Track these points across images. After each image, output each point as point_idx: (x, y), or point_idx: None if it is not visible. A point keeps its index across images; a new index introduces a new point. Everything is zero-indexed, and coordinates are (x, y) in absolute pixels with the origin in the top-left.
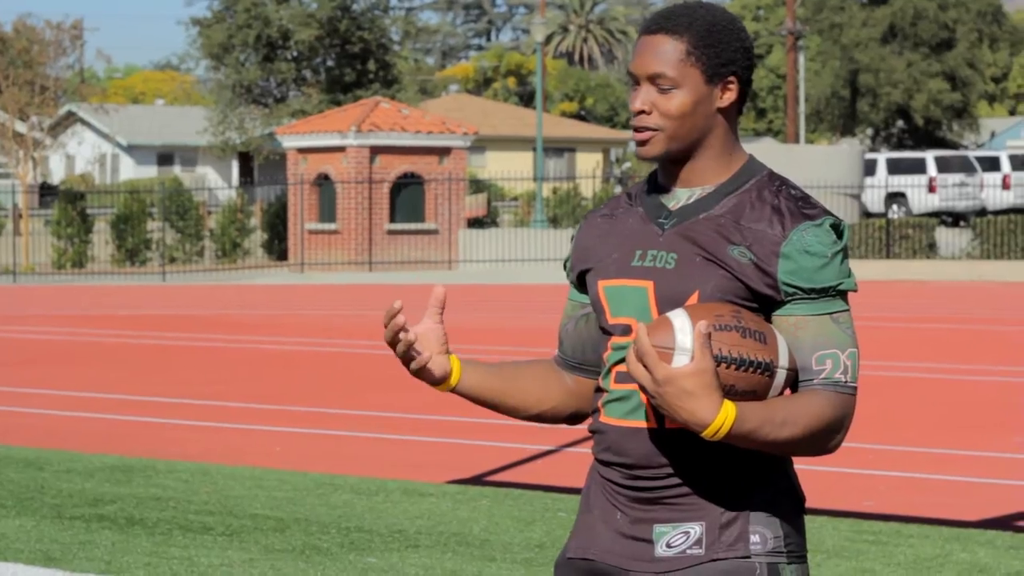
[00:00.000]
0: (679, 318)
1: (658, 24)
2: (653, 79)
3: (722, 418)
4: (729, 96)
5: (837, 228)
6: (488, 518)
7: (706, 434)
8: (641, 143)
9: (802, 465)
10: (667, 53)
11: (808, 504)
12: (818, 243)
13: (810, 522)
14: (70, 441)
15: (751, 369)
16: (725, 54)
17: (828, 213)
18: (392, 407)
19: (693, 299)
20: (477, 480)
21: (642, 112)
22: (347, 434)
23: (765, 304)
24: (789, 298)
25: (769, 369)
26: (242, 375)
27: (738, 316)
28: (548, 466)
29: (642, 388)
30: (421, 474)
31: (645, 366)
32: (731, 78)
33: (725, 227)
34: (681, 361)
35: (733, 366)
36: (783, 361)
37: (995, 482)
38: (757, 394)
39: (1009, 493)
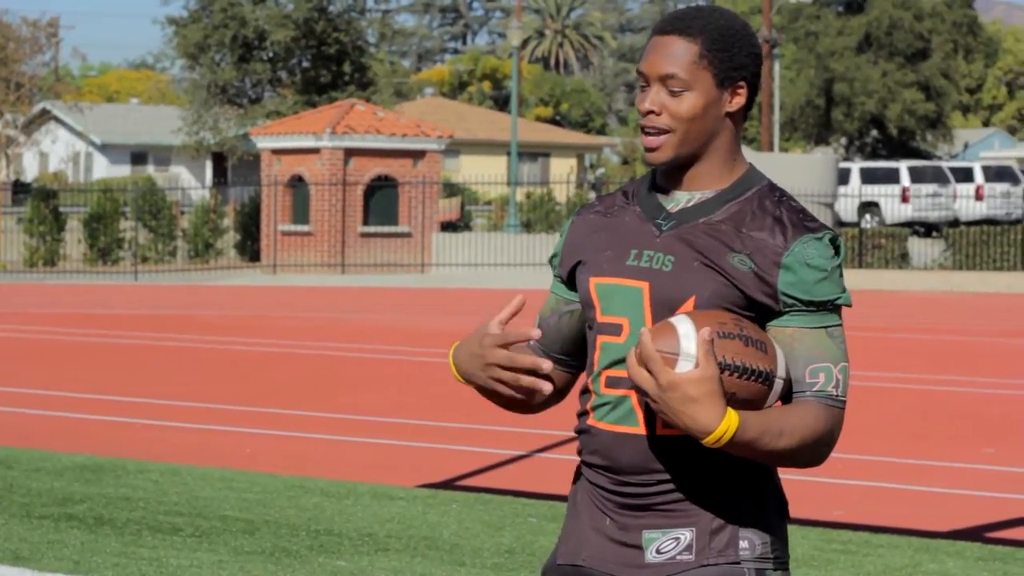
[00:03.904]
0: (683, 324)
1: (672, 25)
2: (664, 80)
3: (725, 426)
4: (738, 101)
5: (835, 243)
6: (458, 523)
7: (708, 441)
8: (650, 149)
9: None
10: (680, 54)
11: None
12: (819, 256)
13: None
14: (39, 440)
15: (752, 378)
16: (737, 58)
17: (827, 227)
18: (363, 410)
19: (689, 304)
20: (448, 484)
21: (651, 112)
22: (317, 436)
23: (761, 313)
24: (787, 309)
25: (769, 379)
26: (213, 376)
27: (740, 324)
28: (519, 471)
29: (643, 393)
30: (391, 477)
31: (649, 371)
32: (741, 83)
33: (726, 234)
34: (685, 367)
35: (735, 374)
36: (780, 371)
37: (965, 493)
38: (755, 403)
39: (979, 504)
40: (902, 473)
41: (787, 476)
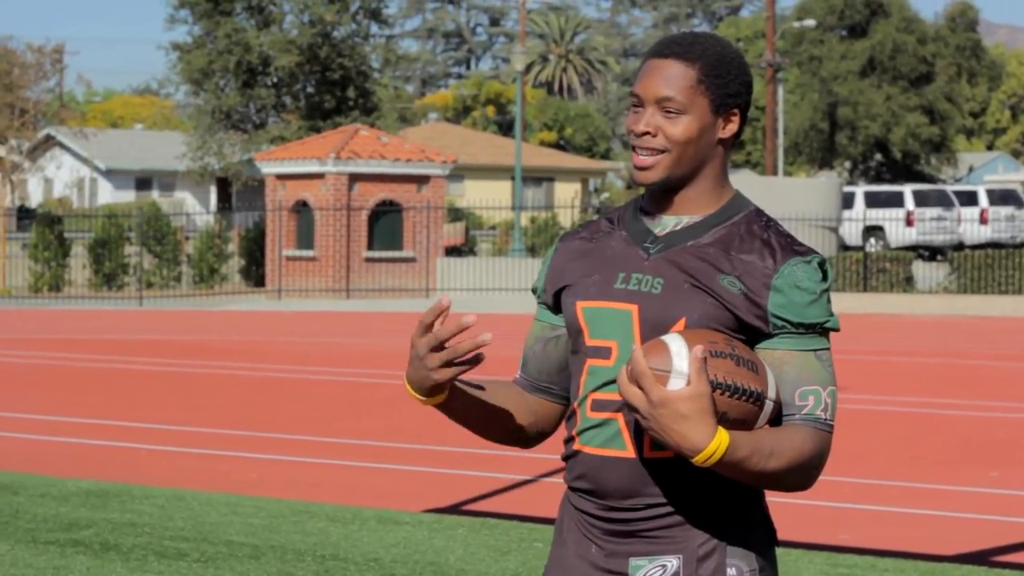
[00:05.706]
0: (675, 342)
1: (670, 49)
2: (661, 103)
3: (715, 444)
4: (731, 128)
5: (823, 267)
6: (464, 547)
7: (698, 460)
8: (643, 168)
9: (778, 498)
10: (678, 78)
11: (783, 537)
12: (808, 279)
13: (785, 555)
14: (45, 465)
15: (744, 397)
16: (732, 86)
17: (815, 252)
18: (368, 435)
19: (679, 325)
20: (453, 509)
21: (646, 134)
22: (323, 461)
23: (750, 335)
24: (776, 331)
25: (760, 399)
26: (218, 401)
27: (732, 344)
28: (524, 496)
29: (634, 410)
30: (397, 502)
31: (640, 387)
32: (735, 110)
33: (714, 256)
34: (677, 384)
35: (727, 393)
36: (771, 393)
37: (971, 517)
38: (746, 423)
39: (985, 528)
40: (907, 497)
41: (792, 500)
